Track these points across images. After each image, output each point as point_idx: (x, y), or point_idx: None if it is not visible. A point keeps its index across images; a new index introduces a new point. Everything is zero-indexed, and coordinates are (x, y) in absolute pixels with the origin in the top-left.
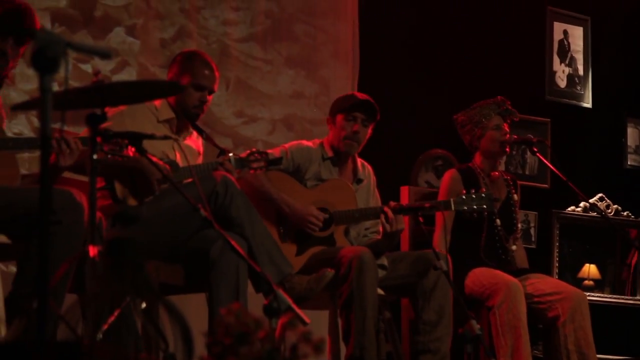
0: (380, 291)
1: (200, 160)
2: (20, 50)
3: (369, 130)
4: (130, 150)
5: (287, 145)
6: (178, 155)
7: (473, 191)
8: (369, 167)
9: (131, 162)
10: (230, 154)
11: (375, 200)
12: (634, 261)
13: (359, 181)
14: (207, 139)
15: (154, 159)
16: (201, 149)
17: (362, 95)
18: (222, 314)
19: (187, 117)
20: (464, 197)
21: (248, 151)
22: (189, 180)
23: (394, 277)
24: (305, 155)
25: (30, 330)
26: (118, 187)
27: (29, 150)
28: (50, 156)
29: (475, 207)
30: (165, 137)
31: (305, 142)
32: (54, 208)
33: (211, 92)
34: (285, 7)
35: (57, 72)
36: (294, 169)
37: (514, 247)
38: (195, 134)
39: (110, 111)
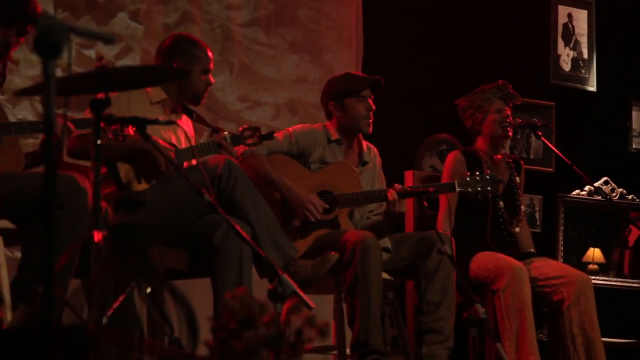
0: (385, 275)
1: (193, 142)
2: (21, 39)
3: None
4: (131, 129)
5: (291, 129)
6: (174, 138)
7: (477, 173)
8: (374, 149)
9: (134, 145)
10: (225, 132)
11: (380, 182)
12: (632, 239)
13: (364, 163)
14: (198, 119)
15: (160, 141)
16: (192, 132)
17: (362, 74)
18: (226, 299)
19: (195, 102)
20: (468, 179)
21: (241, 128)
22: (192, 162)
23: (398, 259)
24: (309, 139)
25: (36, 315)
26: (122, 173)
27: (32, 135)
28: (53, 141)
29: (479, 189)
30: (169, 122)
31: (309, 126)
32: (58, 193)
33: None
34: None
35: (60, 57)
36: (298, 152)
37: (517, 230)
38: (184, 116)
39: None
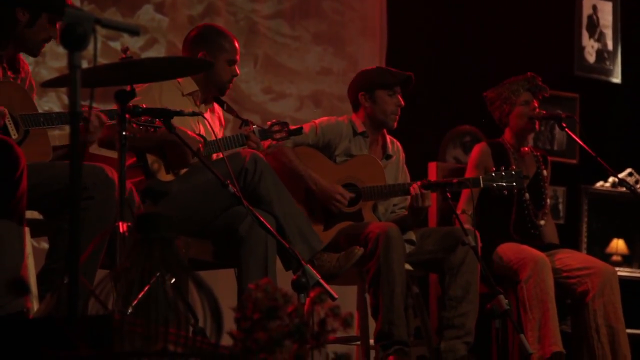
0: (408, 267)
1: (222, 133)
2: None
3: None
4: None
5: (317, 121)
6: (202, 129)
7: (502, 168)
8: (397, 144)
9: (163, 136)
10: (254, 125)
11: (404, 176)
12: None
13: (388, 157)
14: (228, 110)
15: (190, 133)
16: (223, 122)
17: (394, 69)
18: (250, 289)
19: (219, 92)
20: (493, 174)
21: (270, 122)
22: (218, 155)
23: (422, 253)
24: (335, 131)
25: (62, 305)
26: (150, 162)
27: (59, 127)
28: (79, 132)
29: (504, 184)
30: (194, 114)
31: (335, 118)
32: (86, 184)
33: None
34: None
35: (86, 49)
36: (323, 144)
37: (542, 222)
38: (215, 106)
39: (137, 86)
